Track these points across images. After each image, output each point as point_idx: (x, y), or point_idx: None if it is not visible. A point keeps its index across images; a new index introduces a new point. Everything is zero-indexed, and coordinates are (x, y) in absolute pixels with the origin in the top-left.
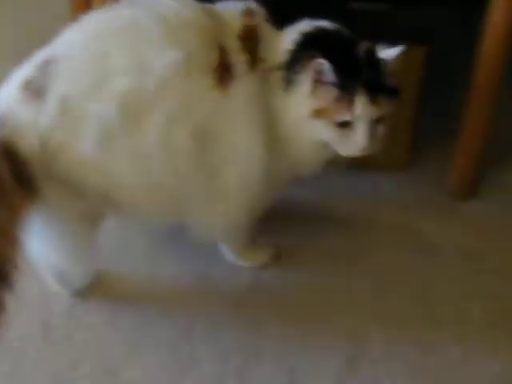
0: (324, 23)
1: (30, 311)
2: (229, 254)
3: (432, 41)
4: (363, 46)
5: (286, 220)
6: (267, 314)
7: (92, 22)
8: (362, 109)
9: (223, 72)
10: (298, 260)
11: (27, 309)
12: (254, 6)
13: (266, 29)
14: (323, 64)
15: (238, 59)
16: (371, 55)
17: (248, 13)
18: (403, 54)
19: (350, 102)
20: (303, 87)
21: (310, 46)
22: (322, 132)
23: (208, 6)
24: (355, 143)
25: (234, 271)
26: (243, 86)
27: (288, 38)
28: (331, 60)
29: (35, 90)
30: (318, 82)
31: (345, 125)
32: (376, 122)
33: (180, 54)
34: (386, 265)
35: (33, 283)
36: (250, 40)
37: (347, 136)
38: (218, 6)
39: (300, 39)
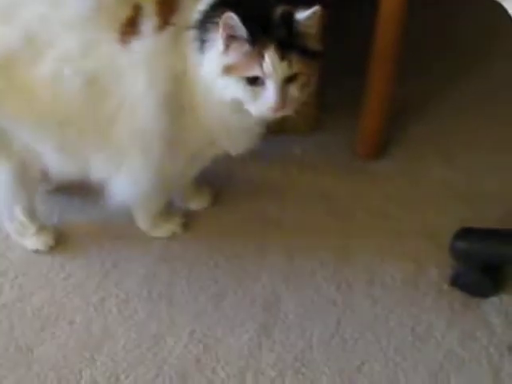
0: None
1: None
2: (141, 222)
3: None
4: (280, 9)
5: (197, 184)
6: (179, 283)
7: None
8: (271, 65)
9: (130, 28)
10: (208, 227)
11: None
12: None
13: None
14: (232, 17)
15: (149, 19)
16: (286, 16)
17: None
18: (317, 14)
19: (259, 58)
20: (216, 44)
21: (222, 5)
22: (234, 89)
23: None
24: (266, 101)
25: (144, 241)
26: (146, 45)
27: (203, 2)
28: (243, 17)
29: None
30: (231, 37)
31: (255, 82)
32: (289, 81)
33: (93, 2)
34: (298, 227)
35: None
36: (165, 5)
37: (258, 93)
38: None
39: (210, 2)
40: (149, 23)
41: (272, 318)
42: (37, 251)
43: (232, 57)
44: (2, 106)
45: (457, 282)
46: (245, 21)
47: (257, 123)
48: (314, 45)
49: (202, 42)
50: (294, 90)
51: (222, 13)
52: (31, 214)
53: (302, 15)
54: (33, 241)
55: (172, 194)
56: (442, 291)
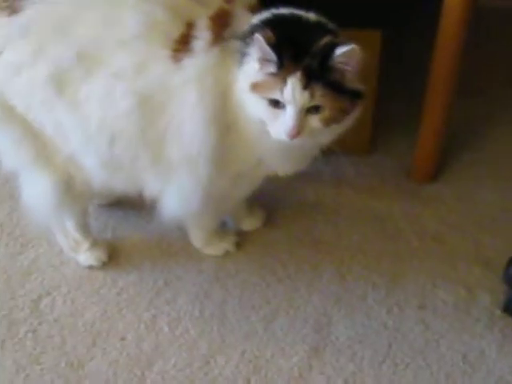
0: (297, 11)
1: None
2: (194, 239)
3: (389, 24)
4: (326, 39)
5: (250, 205)
6: (231, 303)
7: None
8: (291, 92)
9: (182, 45)
10: (260, 247)
11: None
12: None
13: (241, 14)
14: (260, 40)
15: (201, 36)
16: (325, 48)
17: None
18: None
19: (282, 82)
20: (253, 60)
21: (269, 24)
22: (258, 108)
23: None
24: (282, 125)
25: (197, 259)
26: (197, 62)
27: (257, 17)
28: (282, 39)
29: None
30: (264, 58)
31: (277, 104)
32: (312, 111)
33: (146, 20)
34: (350, 249)
35: None
36: (219, 21)
37: (277, 116)
38: None
39: (262, 18)
40: (202, 40)
41: (323, 340)
42: (90, 267)
43: (261, 76)
44: (50, 114)
45: (509, 308)
46: (281, 44)
47: (295, 154)
48: (352, 83)
49: (243, 55)
50: (315, 121)
51: (261, 30)
52: (84, 229)
53: (338, 50)
54: (86, 256)
55: (225, 213)
56: (494, 317)
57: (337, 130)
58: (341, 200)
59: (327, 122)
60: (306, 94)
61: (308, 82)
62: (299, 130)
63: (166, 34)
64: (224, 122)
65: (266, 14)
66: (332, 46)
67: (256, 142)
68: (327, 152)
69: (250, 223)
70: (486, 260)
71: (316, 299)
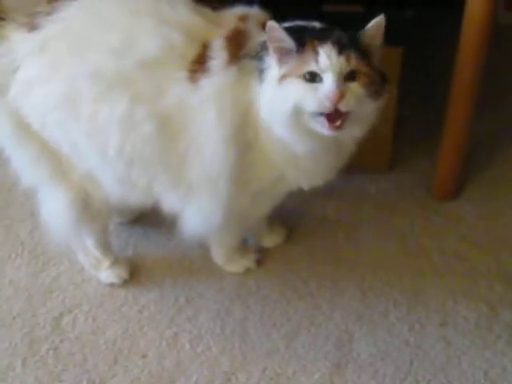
0: (309, 23)
1: (15, 324)
2: (216, 256)
3: (408, 41)
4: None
5: (271, 222)
6: (252, 320)
7: (97, 2)
8: (327, 58)
9: (199, 65)
10: (281, 263)
11: (12, 321)
12: (254, 11)
13: (255, 33)
14: (274, 26)
15: (218, 55)
16: (351, 34)
17: (242, 17)
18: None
19: (314, 54)
20: (271, 67)
21: None
22: (292, 93)
23: (208, 11)
24: (324, 93)
25: (218, 276)
26: (215, 82)
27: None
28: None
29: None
30: (280, 49)
31: (313, 79)
32: (348, 78)
33: (164, 43)
34: (372, 266)
35: (18, 296)
36: (235, 40)
37: (316, 89)
38: (224, 10)
39: None
40: (218, 59)
41: (344, 357)
42: (111, 284)
43: (284, 67)
44: (65, 134)
45: None
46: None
47: (327, 153)
48: (377, 62)
49: (261, 71)
50: (356, 87)
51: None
52: (105, 247)
53: (368, 25)
54: (107, 274)
55: (246, 230)
56: None
57: (369, 115)
58: (361, 217)
59: (366, 89)
60: (342, 58)
61: (342, 48)
62: (341, 93)
63: (183, 56)
64: (244, 141)
65: None
66: (355, 31)
67: (281, 158)
68: (348, 170)
69: (270, 240)
70: (508, 277)
71: (337, 316)
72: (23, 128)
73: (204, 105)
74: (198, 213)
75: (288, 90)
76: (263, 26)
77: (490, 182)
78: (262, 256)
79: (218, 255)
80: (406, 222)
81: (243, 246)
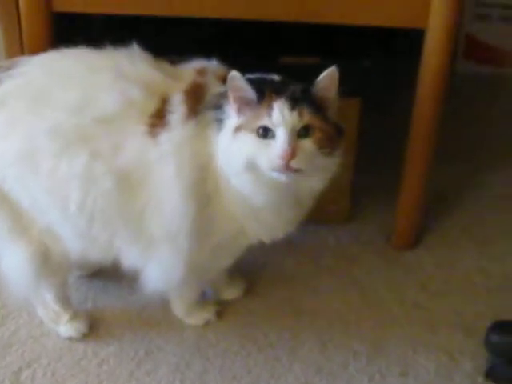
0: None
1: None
2: (175, 309)
3: (366, 91)
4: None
5: (230, 274)
6: (212, 372)
7: (57, 58)
8: (280, 114)
9: (158, 119)
10: (241, 315)
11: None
12: (211, 64)
13: (214, 86)
14: (236, 76)
15: (176, 109)
16: (305, 84)
17: (200, 71)
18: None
19: (268, 109)
20: (230, 116)
21: None
22: (246, 147)
23: (167, 65)
24: (275, 151)
25: (178, 329)
26: (173, 136)
27: (223, 86)
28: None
29: None
30: (240, 100)
31: (266, 135)
32: (303, 135)
33: (122, 98)
34: (331, 317)
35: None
36: (193, 94)
37: (269, 145)
38: (183, 65)
39: None
40: (177, 113)
41: None
42: (70, 338)
43: (242, 117)
44: (25, 190)
45: (492, 375)
46: (258, 82)
47: (286, 206)
48: (334, 117)
49: (219, 121)
50: (307, 144)
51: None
52: (64, 301)
53: (320, 76)
54: (66, 328)
55: (206, 284)
56: None
57: (327, 167)
58: (321, 268)
59: (319, 145)
60: (295, 114)
61: (294, 104)
62: (293, 150)
63: (141, 111)
64: (204, 194)
65: None
66: (309, 83)
67: (241, 210)
68: (306, 221)
69: (230, 293)
70: (467, 326)
71: (297, 368)
72: None
73: (163, 159)
74: (158, 268)
75: (241, 144)
76: (222, 80)
77: (449, 231)
78: (222, 308)
79: (178, 308)
80: (365, 273)
81: (203, 299)
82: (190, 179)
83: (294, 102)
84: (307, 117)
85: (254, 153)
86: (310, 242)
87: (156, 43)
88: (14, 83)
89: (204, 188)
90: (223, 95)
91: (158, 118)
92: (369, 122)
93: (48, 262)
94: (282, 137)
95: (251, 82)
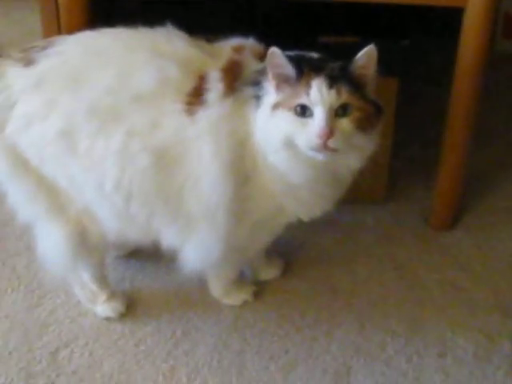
0: (307, 53)
1: (11, 358)
2: (213, 289)
3: (404, 70)
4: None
5: (268, 254)
6: (249, 353)
7: (93, 37)
8: (318, 92)
9: (196, 98)
10: (278, 296)
11: (8, 356)
12: (248, 42)
13: (251, 64)
14: (276, 53)
15: (214, 87)
16: (344, 61)
17: (237, 49)
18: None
19: (307, 87)
20: (268, 93)
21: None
22: (283, 125)
23: (204, 43)
24: (313, 129)
25: (215, 309)
26: (211, 114)
27: (262, 64)
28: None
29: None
30: (279, 76)
31: (304, 113)
32: (340, 114)
33: (159, 75)
34: (369, 297)
35: (14, 331)
36: (231, 72)
37: (306, 124)
38: (220, 42)
39: None
40: (214, 91)
41: None
42: (108, 318)
43: (281, 94)
44: (63, 169)
45: None
46: (297, 59)
47: (324, 183)
48: (372, 95)
49: (257, 98)
50: (345, 123)
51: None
52: (101, 281)
53: (359, 54)
54: (103, 308)
55: (245, 263)
56: None
57: (365, 146)
58: (359, 248)
59: (357, 124)
60: (333, 92)
61: (333, 82)
62: (330, 130)
63: (178, 89)
64: (242, 172)
65: None
66: (348, 61)
67: (280, 188)
68: (344, 201)
69: (268, 273)
70: (506, 307)
71: (335, 348)
72: (20, 163)
73: (201, 137)
74: (197, 248)
75: (279, 121)
76: (259, 57)
77: (488, 211)
78: (260, 289)
79: (216, 288)
80: (404, 253)
81: (240, 279)
82: (227, 157)
83: (333, 81)
84: (345, 95)
85: (292, 131)
86: (347, 222)
87: (192, 22)
88: (50, 63)
89: (242, 166)
90: (262, 72)
91: (195, 96)
92: (407, 101)
93: (85, 242)
94: (319, 116)
95: (290, 58)
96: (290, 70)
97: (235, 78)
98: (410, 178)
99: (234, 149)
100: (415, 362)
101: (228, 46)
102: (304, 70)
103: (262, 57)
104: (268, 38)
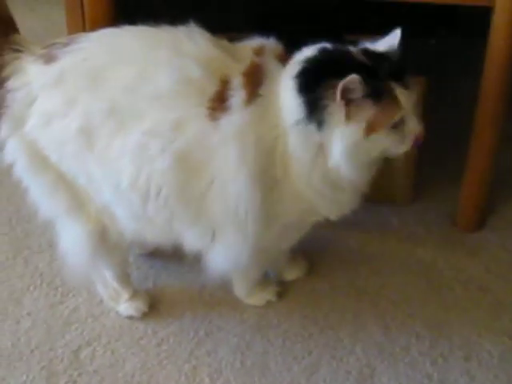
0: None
1: (33, 357)
2: (237, 289)
3: (432, 70)
4: (356, 51)
5: (293, 254)
6: (273, 353)
7: (115, 35)
8: (406, 101)
9: (218, 103)
10: (302, 296)
11: (30, 354)
12: (269, 43)
13: (272, 67)
14: (355, 79)
15: (237, 93)
16: (369, 52)
17: (258, 51)
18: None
19: (393, 99)
20: (337, 117)
21: (318, 77)
22: (380, 142)
23: (225, 43)
24: (411, 133)
25: (238, 309)
26: (235, 121)
27: (291, 68)
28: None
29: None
30: (349, 101)
31: (398, 124)
32: None
33: (180, 76)
34: (394, 298)
35: (36, 329)
36: (252, 77)
37: (402, 133)
38: (241, 42)
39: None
40: (237, 97)
41: None
42: (130, 317)
43: (362, 116)
44: (82, 166)
45: None
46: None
47: (359, 182)
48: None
49: (319, 122)
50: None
51: (330, 83)
52: (124, 280)
53: (387, 43)
54: (126, 307)
55: (271, 264)
56: None
57: None
58: (384, 249)
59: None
60: (411, 94)
61: (406, 84)
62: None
63: (200, 91)
64: (271, 178)
65: (307, 58)
66: (368, 50)
67: (314, 191)
68: (370, 202)
69: (292, 273)
70: None
71: (359, 350)
72: (40, 160)
73: (225, 144)
74: (224, 252)
75: (376, 142)
76: (279, 59)
77: None
78: (283, 289)
79: (240, 288)
80: (429, 254)
81: (264, 279)
82: (255, 166)
83: (406, 84)
84: (412, 86)
85: (389, 144)
86: (373, 223)
87: (218, 19)
88: (71, 60)
89: (271, 173)
90: (325, 90)
91: (218, 102)
92: (434, 101)
93: (105, 241)
94: (414, 120)
95: (366, 82)
96: (367, 94)
97: (257, 83)
98: (437, 178)
99: (261, 157)
100: (440, 364)
101: (249, 48)
102: (382, 85)
103: (282, 58)
104: (294, 35)
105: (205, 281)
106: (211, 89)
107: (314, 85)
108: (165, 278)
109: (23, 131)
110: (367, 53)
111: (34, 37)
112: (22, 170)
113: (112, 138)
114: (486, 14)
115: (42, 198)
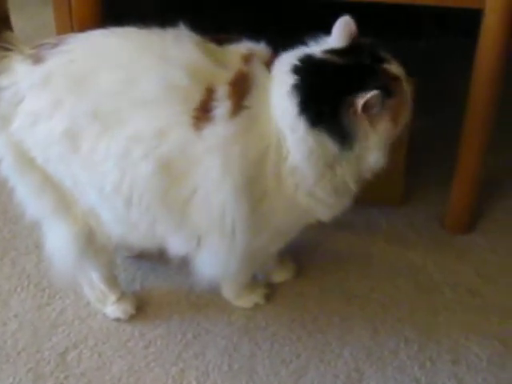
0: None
1: (19, 359)
2: (225, 291)
3: (421, 71)
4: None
5: (281, 257)
6: (260, 357)
7: (103, 37)
8: (399, 70)
9: (203, 113)
10: (291, 299)
11: (16, 356)
12: (258, 48)
13: (260, 75)
14: (376, 94)
15: (222, 104)
16: (341, 51)
17: (246, 57)
18: None
19: (397, 80)
20: (362, 129)
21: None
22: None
23: (214, 47)
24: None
25: (226, 312)
26: (220, 132)
27: (280, 90)
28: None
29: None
30: (366, 113)
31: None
32: None
33: (165, 83)
34: (383, 302)
35: (23, 331)
36: (239, 86)
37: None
38: (230, 46)
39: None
40: (222, 108)
41: None
42: (117, 319)
43: (385, 112)
44: (67, 169)
45: None
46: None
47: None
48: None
49: (342, 141)
50: None
51: (348, 101)
52: (111, 281)
53: (339, 36)
54: (113, 309)
55: (260, 267)
56: None
57: None
58: (373, 251)
59: None
60: (397, 63)
61: (387, 58)
62: None
63: (185, 99)
64: (260, 189)
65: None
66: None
67: (310, 198)
68: (360, 204)
69: (280, 275)
70: None
71: (347, 354)
72: (26, 160)
73: (209, 154)
74: (211, 258)
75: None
76: (268, 65)
77: (504, 216)
78: (272, 291)
79: (228, 290)
80: (419, 257)
81: (252, 281)
82: (241, 177)
83: (387, 57)
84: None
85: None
86: (362, 225)
87: (210, 20)
88: (59, 61)
89: (261, 184)
90: (343, 108)
91: (203, 111)
92: (424, 102)
93: (92, 243)
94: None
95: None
96: (380, 99)
97: (244, 93)
98: (426, 180)
99: (248, 168)
100: (428, 368)
101: (238, 53)
102: (391, 84)
103: (268, 63)
104: (279, 37)
105: (193, 283)
106: (197, 97)
107: (320, 102)
108: (152, 279)
109: (9, 131)
110: (341, 53)
111: (24, 37)
112: (9, 170)
113: (97, 142)
114: (477, 14)
115: (29, 199)
